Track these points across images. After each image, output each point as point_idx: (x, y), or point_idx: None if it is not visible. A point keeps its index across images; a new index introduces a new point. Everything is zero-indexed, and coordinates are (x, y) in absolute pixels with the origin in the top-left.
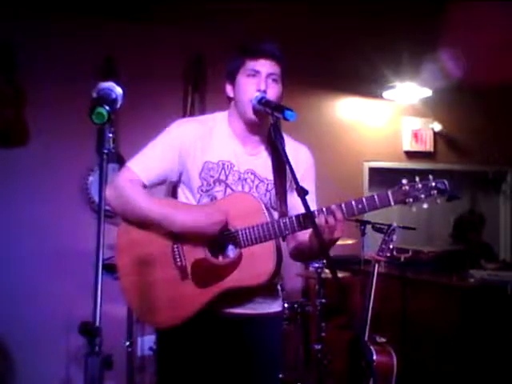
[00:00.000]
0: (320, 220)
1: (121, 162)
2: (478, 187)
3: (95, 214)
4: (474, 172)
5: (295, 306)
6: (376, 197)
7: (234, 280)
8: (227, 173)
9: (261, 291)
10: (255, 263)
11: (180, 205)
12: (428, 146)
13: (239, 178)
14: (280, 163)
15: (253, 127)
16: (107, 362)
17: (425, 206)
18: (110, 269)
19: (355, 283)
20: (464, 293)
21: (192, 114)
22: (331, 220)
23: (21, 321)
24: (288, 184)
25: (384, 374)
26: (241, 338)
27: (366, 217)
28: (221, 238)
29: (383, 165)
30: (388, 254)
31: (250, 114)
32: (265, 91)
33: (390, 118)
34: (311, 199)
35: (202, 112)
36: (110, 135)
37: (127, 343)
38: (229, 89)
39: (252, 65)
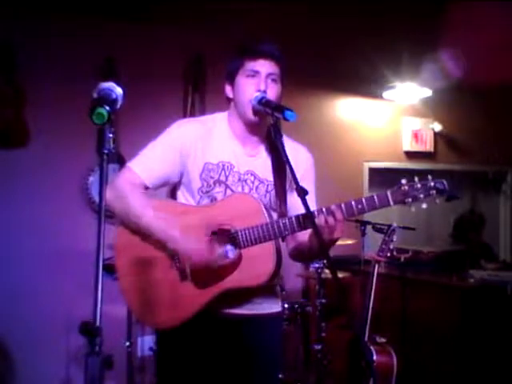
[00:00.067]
0: (320, 220)
1: (121, 162)
2: (478, 187)
3: (95, 215)
4: (474, 172)
5: (295, 306)
6: (375, 197)
7: (233, 281)
8: (227, 174)
9: (260, 292)
10: (255, 264)
11: (177, 211)
12: (428, 146)
13: (239, 179)
14: (280, 164)
15: (252, 128)
16: (107, 362)
17: (424, 206)
18: (110, 269)
19: (355, 283)
20: (464, 293)
21: (192, 114)
22: (331, 220)
23: (21, 321)
24: (288, 184)
25: (384, 374)
26: (240, 338)
27: (366, 217)
28: (220, 239)
29: (383, 165)
30: (388, 255)
31: (250, 115)
32: (264, 91)
33: (390, 118)
34: (311, 200)
35: (202, 112)
36: (111, 135)
37: (127, 343)
38: (228, 89)
39: (251, 65)
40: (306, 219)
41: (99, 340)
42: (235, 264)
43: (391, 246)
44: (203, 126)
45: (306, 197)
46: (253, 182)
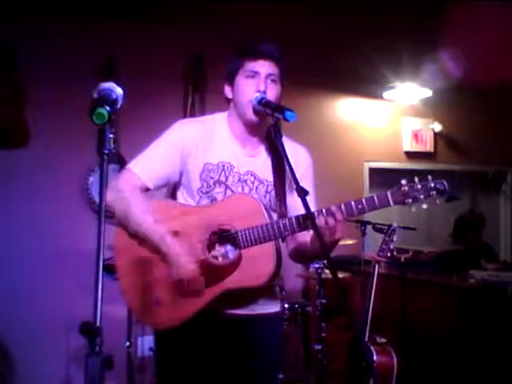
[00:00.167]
0: (320, 222)
1: (121, 162)
2: (478, 187)
3: (95, 215)
4: (474, 172)
5: (295, 306)
6: (375, 197)
7: (233, 281)
8: (227, 174)
9: (260, 292)
10: (255, 264)
11: (177, 211)
12: (428, 147)
13: (239, 180)
14: (279, 164)
15: (252, 128)
16: (108, 362)
17: (424, 206)
18: (110, 269)
19: (355, 283)
20: (464, 293)
21: (192, 115)
22: (331, 221)
23: (21, 321)
24: (287, 185)
25: (384, 375)
26: (240, 338)
27: (367, 217)
28: (220, 239)
29: (383, 165)
30: (388, 255)
31: (251, 115)
32: (264, 92)
33: (391, 119)
34: (310, 200)
35: (202, 112)
36: (111, 136)
37: (127, 343)
38: (227, 90)
39: (251, 66)
40: (306, 220)
41: (99, 340)
42: (235, 264)
43: (391, 246)
44: (203, 126)
45: (306, 197)
46: (253, 183)
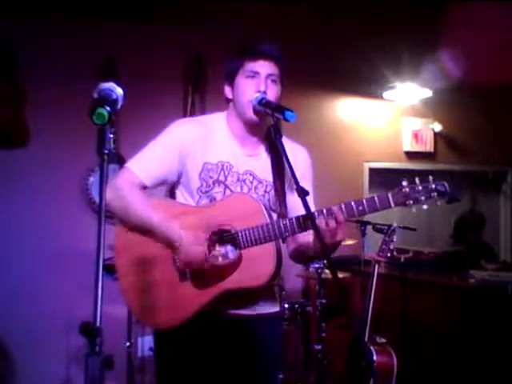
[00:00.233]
0: (321, 223)
1: (121, 162)
2: (478, 187)
3: (95, 215)
4: (474, 172)
5: (295, 306)
6: (376, 198)
7: (233, 281)
8: (226, 174)
9: (260, 292)
10: (255, 264)
11: (177, 211)
12: (428, 147)
13: (238, 179)
14: (279, 164)
15: (252, 128)
16: (108, 362)
17: (425, 207)
18: (110, 269)
19: (355, 284)
20: (464, 293)
21: (192, 114)
22: (332, 223)
23: (21, 321)
24: (287, 185)
25: (384, 375)
26: (240, 338)
27: (367, 217)
28: (220, 239)
29: (383, 165)
30: (388, 255)
31: (251, 115)
32: (264, 92)
33: (391, 119)
34: (309, 200)
35: (202, 112)
36: (111, 136)
37: (127, 343)
38: (227, 90)
39: (251, 66)
40: (307, 220)
41: (99, 340)
42: (235, 264)
43: (391, 247)
44: (202, 125)
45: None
46: (251, 182)
